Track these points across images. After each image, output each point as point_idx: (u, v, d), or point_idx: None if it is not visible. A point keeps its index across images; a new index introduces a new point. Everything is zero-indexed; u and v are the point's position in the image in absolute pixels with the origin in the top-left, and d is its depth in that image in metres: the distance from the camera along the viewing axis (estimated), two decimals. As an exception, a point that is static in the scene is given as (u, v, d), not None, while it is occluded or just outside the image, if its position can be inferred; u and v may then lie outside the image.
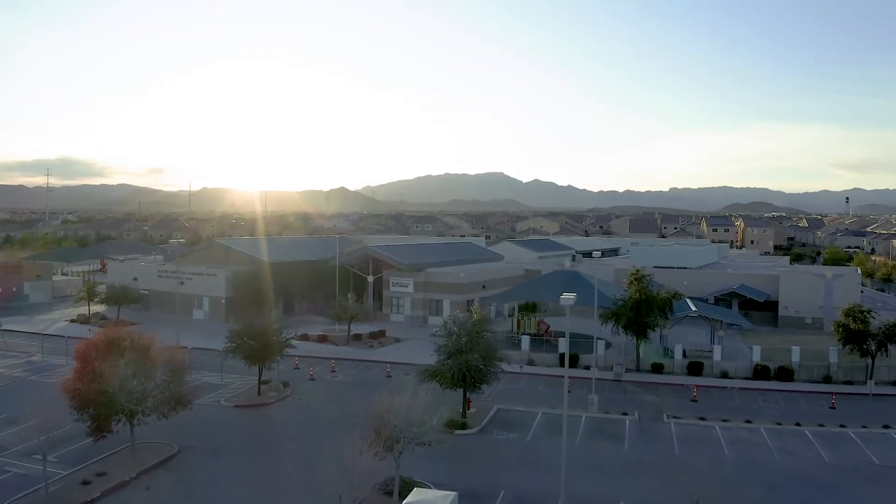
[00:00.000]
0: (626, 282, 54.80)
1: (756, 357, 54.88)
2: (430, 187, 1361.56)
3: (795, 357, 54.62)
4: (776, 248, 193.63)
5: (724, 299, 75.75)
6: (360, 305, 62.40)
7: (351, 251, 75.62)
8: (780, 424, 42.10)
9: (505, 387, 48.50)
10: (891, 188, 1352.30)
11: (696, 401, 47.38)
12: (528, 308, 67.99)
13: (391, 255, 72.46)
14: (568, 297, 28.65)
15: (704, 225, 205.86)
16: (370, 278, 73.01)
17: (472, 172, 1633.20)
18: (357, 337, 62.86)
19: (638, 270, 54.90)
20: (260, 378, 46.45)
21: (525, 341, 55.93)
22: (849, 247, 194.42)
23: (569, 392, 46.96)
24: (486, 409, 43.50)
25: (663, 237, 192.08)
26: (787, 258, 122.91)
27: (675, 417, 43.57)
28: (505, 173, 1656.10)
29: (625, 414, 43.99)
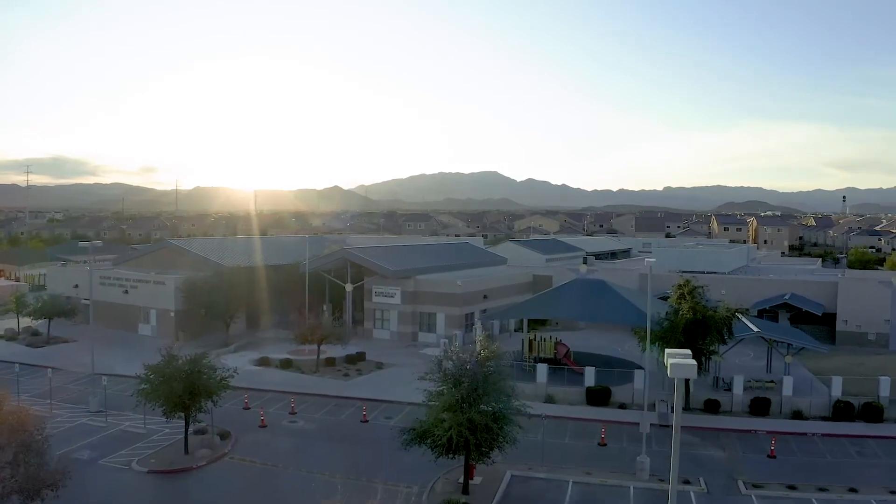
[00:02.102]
0: (674, 295, 42.61)
1: (836, 391, 42.89)
2: (424, 186, 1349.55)
3: (885, 390, 42.82)
4: (790, 247, 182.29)
5: (769, 312, 63.69)
6: (333, 323, 49.99)
7: (326, 255, 63.04)
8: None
9: (519, 437, 36.24)
10: (884, 187, 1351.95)
11: (774, 456, 35.45)
12: (535, 322, 56.03)
13: (373, 260, 59.97)
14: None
15: (715, 223, 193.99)
16: (348, 287, 60.49)
17: (467, 171, 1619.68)
18: (330, 362, 50.57)
19: (688, 281, 42.73)
20: (187, 430, 34.09)
21: (542, 371, 43.62)
22: (864, 246, 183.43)
23: (604, 445, 34.65)
24: (495, 478, 31.30)
25: (668, 236, 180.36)
26: (818, 260, 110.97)
27: (755, 486, 31.61)
28: (499, 172, 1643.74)
29: (687, 483, 31.86)
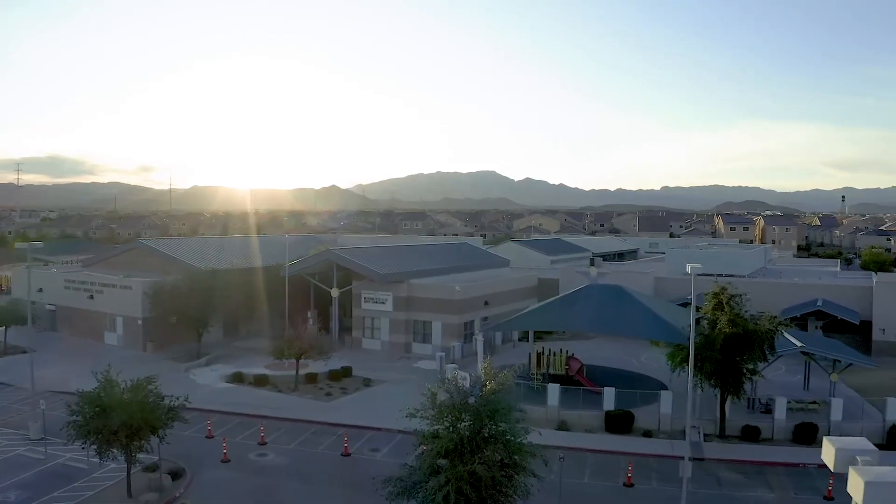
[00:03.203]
0: (708, 304, 36.75)
1: (892, 415, 37.15)
2: (422, 185, 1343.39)
3: (941, 413, 37.09)
4: (797, 248, 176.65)
5: (798, 320, 57.82)
6: (314, 335, 43.99)
7: (310, 256, 56.98)
8: None
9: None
10: (882, 187, 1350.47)
11: (832, 498, 29.75)
12: (540, 330, 50.15)
13: (361, 262, 53.97)
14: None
15: (721, 223, 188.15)
16: (334, 292, 54.45)
17: (464, 171, 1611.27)
18: (311, 378, 44.65)
19: (723, 288, 36.86)
20: (130, 471, 28.14)
21: (553, 393, 37.68)
22: (873, 246, 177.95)
23: (630, 486, 28.67)
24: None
25: (672, 236, 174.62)
26: (836, 261, 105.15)
27: (818, 542, 25.80)
28: (497, 172, 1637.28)
29: (738, 538, 26.03)
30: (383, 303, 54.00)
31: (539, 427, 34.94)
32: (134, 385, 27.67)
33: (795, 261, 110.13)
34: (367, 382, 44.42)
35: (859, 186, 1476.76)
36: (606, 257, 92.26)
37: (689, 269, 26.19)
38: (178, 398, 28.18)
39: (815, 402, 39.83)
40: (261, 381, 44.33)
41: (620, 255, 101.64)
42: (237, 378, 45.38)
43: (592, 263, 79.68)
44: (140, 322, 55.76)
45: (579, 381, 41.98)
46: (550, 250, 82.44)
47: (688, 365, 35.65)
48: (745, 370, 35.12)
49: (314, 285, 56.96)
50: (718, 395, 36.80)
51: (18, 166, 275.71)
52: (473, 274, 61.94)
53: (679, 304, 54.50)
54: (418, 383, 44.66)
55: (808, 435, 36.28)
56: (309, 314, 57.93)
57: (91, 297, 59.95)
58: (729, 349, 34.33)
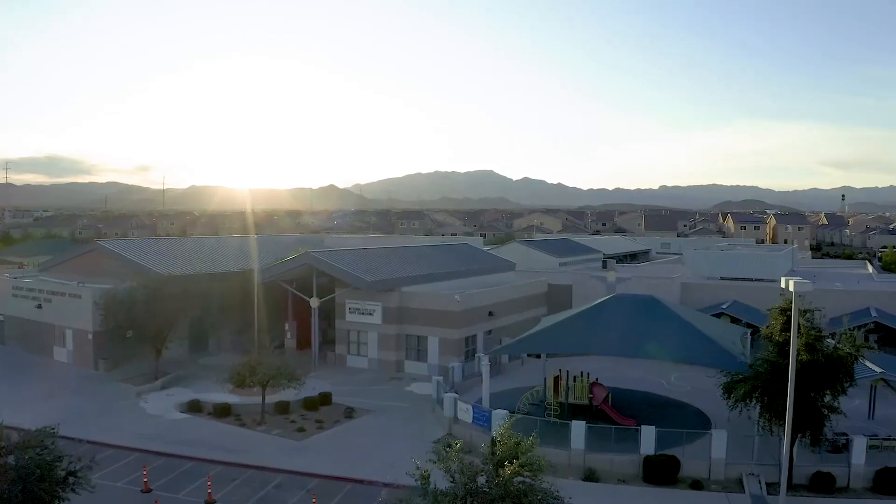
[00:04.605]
0: (774, 323, 29.38)
1: None
2: (420, 185, 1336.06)
3: None
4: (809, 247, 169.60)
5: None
6: (283, 358, 36.46)
7: (287, 260, 49.36)
8: None
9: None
10: (879, 186, 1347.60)
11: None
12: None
13: (346, 267, 46.44)
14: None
15: (731, 221, 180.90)
16: (314, 302, 46.92)
17: (462, 170, 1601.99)
18: (282, 407, 37.28)
19: (799, 305, 29.36)
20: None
21: (578, 433, 30.27)
22: (884, 246, 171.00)
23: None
24: None
25: (680, 235, 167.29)
26: (865, 262, 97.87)
27: None
28: (495, 171, 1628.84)
29: None
30: (371, 314, 46.59)
31: (561, 476, 27.80)
32: (21, 442, 20.32)
33: (818, 262, 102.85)
34: (350, 413, 36.98)
35: (857, 186, 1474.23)
36: (619, 259, 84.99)
37: (788, 284, 18.85)
38: (77, 461, 20.75)
39: (890, 438, 32.65)
40: (222, 411, 36.93)
41: (633, 257, 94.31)
42: (194, 407, 37.99)
43: (605, 266, 72.47)
44: (90, 336, 48.36)
45: (605, 413, 34.70)
46: (558, 251, 74.98)
47: (752, 401, 28.52)
48: (823, 406, 27.79)
49: (292, 294, 49.53)
50: (785, 437, 29.52)
51: (7, 165, 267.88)
52: (475, 280, 54.56)
53: (713, 315, 47.36)
54: (410, 413, 37.44)
55: (888, 482, 29.12)
56: (287, 327, 50.64)
57: (39, 306, 52.57)
58: (804, 380, 27.01)
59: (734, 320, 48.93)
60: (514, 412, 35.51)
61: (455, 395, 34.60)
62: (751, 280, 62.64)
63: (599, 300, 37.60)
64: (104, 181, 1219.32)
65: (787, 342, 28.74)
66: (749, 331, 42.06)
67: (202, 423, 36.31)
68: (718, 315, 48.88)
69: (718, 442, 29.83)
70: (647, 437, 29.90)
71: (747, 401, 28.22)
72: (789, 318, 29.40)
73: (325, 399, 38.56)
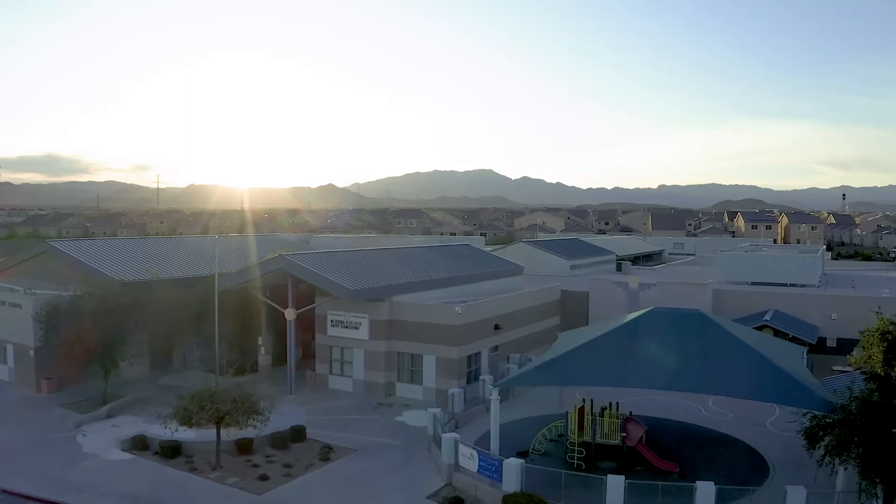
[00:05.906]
0: (875, 350, 22.66)
1: None
2: (419, 184, 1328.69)
3: None
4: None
5: None
6: (241, 389, 29.61)
7: (260, 264, 42.43)
8: None
9: None
10: (878, 185, 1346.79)
11: None
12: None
13: (326, 273, 39.59)
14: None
15: (741, 220, 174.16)
16: (289, 314, 40.06)
17: (461, 169, 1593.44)
18: (245, 446, 30.48)
19: (894, 323, 22.80)
20: None
21: (616, 489, 23.50)
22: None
23: None
24: None
25: (689, 235, 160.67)
26: (893, 263, 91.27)
27: None
28: (494, 170, 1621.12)
29: None
30: (356, 328, 39.76)
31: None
32: None
33: (841, 264, 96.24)
34: (326, 454, 30.15)
35: (855, 185, 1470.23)
36: (632, 260, 78.31)
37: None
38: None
39: None
40: (170, 450, 30.12)
41: (647, 258, 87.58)
42: (139, 444, 31.21)
43: (620, 268, 65.85)
44: (32, 353, 41.56)
45: (642, 455, 27.98)
46: (568, 253, 68.20)
47: (844, 456, 21.77)
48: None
49: (265, 303, 42.68)
50: (880, 496, 22.82)
51: (0, 164, 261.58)
52: (478, 286, 47.80)
53: (754, 328, 40.62)
54: (401, 454, 30.63)
55: None
56: (260, 341, 43.89)
57: (-22, 316, 45.72)
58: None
59: (777, 333, 42.30)
60: (529, 454, 28.84)
61: (456, 435, 27.77)
62: (785, 285, 56.13)
63: (632, 316, 30.68)
64: (102, 180, 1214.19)
65: (891, 377, 22.15)
66: (805, 349, 35.49)
67: (145, 465, 29.50)
68: (760, 328, 42.20)
69: (796, 501, 23.09)
70: (705, 495, 23.14)
71: (843, 454, 21.47)
72: (891, 343, 22.83)
73: (297, 434, 31.77)
